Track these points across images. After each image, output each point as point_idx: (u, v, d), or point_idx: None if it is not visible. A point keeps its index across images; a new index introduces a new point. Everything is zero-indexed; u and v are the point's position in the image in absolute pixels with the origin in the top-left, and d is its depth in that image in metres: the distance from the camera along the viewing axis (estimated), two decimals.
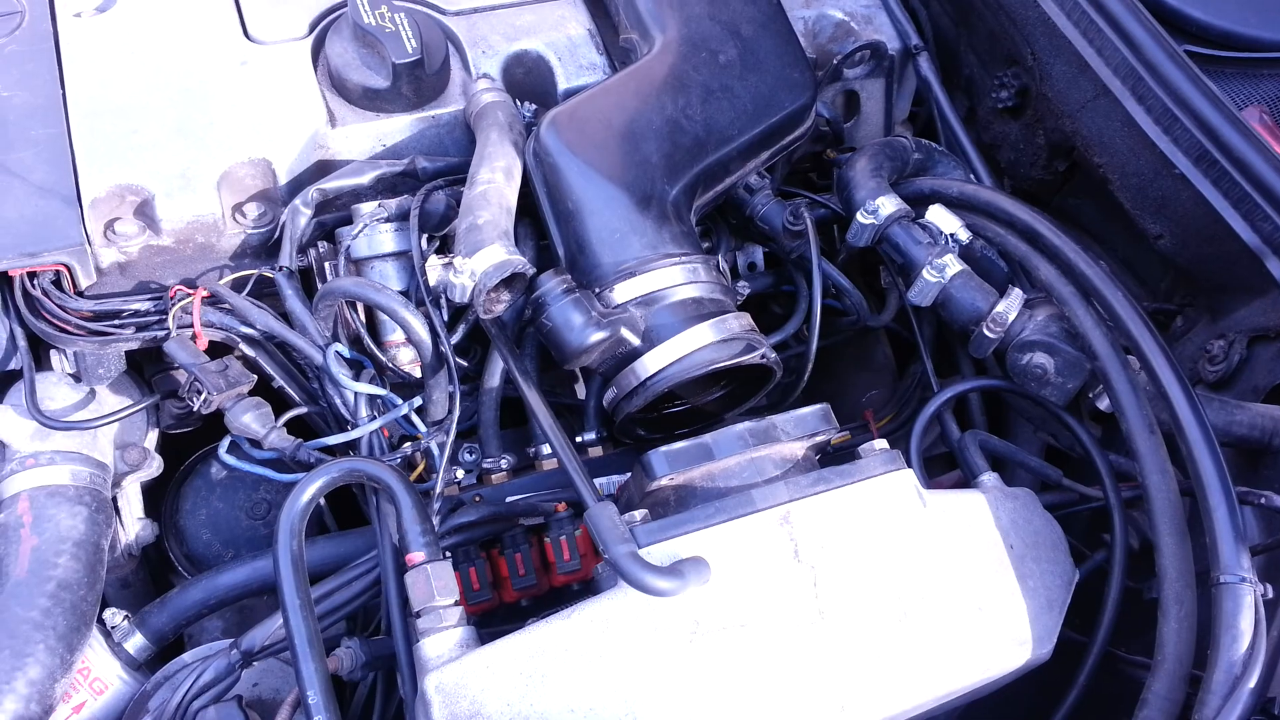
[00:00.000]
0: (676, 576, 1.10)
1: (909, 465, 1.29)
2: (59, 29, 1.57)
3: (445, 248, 1.50)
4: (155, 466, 1.58)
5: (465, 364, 1.52)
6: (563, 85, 1.66)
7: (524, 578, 1.39)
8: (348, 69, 1.56)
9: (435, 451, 1.44)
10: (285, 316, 1.46)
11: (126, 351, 1.49)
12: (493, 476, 1.48)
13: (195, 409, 1.43)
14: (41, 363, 1.49)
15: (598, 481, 1.41)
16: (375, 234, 1.49)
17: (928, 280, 1.51)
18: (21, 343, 1.41)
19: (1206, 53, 1.60)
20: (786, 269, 1.75)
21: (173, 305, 1.44)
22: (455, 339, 1.47)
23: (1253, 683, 1.11)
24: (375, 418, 1.42)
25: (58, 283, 1.42)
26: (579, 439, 1.55)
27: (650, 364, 1.37)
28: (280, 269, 1.48)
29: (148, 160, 1.47)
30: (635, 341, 1.38)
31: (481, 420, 1.52)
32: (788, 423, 1.27)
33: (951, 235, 1.56)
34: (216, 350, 1.46)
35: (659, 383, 1.37)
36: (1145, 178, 1.55)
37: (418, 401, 1.45)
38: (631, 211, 1.43)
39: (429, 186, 1.50)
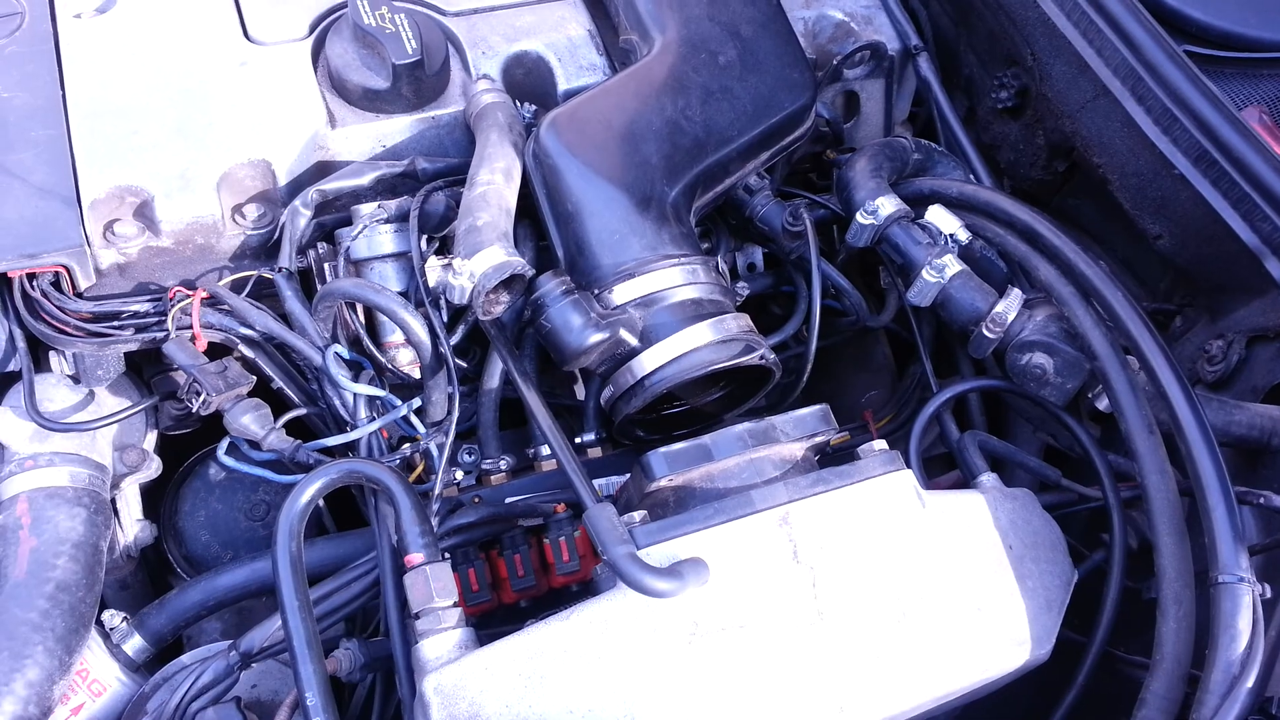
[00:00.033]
0: (675, 577, 1.11)
1: (908, 466, 1.29)
2: (59, 30, 1.57)
3: (445, 249, 1.50)
4: (154, 468, 1.58)
5: (464, 365, 1.52)
6: (563, 86, 1.66)
7: (523, 579, 1.39)
8: (348, 70, 1.56)
9: (434, 452, 1.44)
10: (284, 318, 1.46)
11: (126, 353, 1.49)
12: (492, 477, 1.48)
13: (194, 410, 1.43)
14: (40, 364, 1.49)
15: (597, 482, 1.42)
16: (375, 235, 1.49)
17: (927, 280, 1.51)
18: (20, 344, 1.42)
19: (1206, 53, 1.60)
20: (786, 270, 1.75)
21: (172, 306, 1.44)
22: (454, 340, 1.47)
23: (1251, 682, 1.11)
24: (374, 419, 1.42)
25: (57, 284, 1.42)
26: (578, 440, 1.55)
27: (649, 364, 1.37)
28: (279, 270, 1.48)
29: (147, 161, 1.47)
30: (634, 342, 1.38)
31: (481, 421, 1.52)
32: (787, 423, 1.27)
33: (951, 235, 1.56)
34: (216, 351, 1.46)
35: (658, 383, 1.37)
36: (1145, 178, 1.55)
37: (417, 403, 1.45)
38: (631, 213, 1.43)
39: (428, 188, 1.50)
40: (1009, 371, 1.51)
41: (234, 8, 1.63)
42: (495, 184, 1.42)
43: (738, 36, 1.61)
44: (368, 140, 1.57)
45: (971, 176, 1.78)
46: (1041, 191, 1.86)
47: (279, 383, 1.50)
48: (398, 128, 1.58)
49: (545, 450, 1.49)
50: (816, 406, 1.30)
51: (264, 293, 1.49)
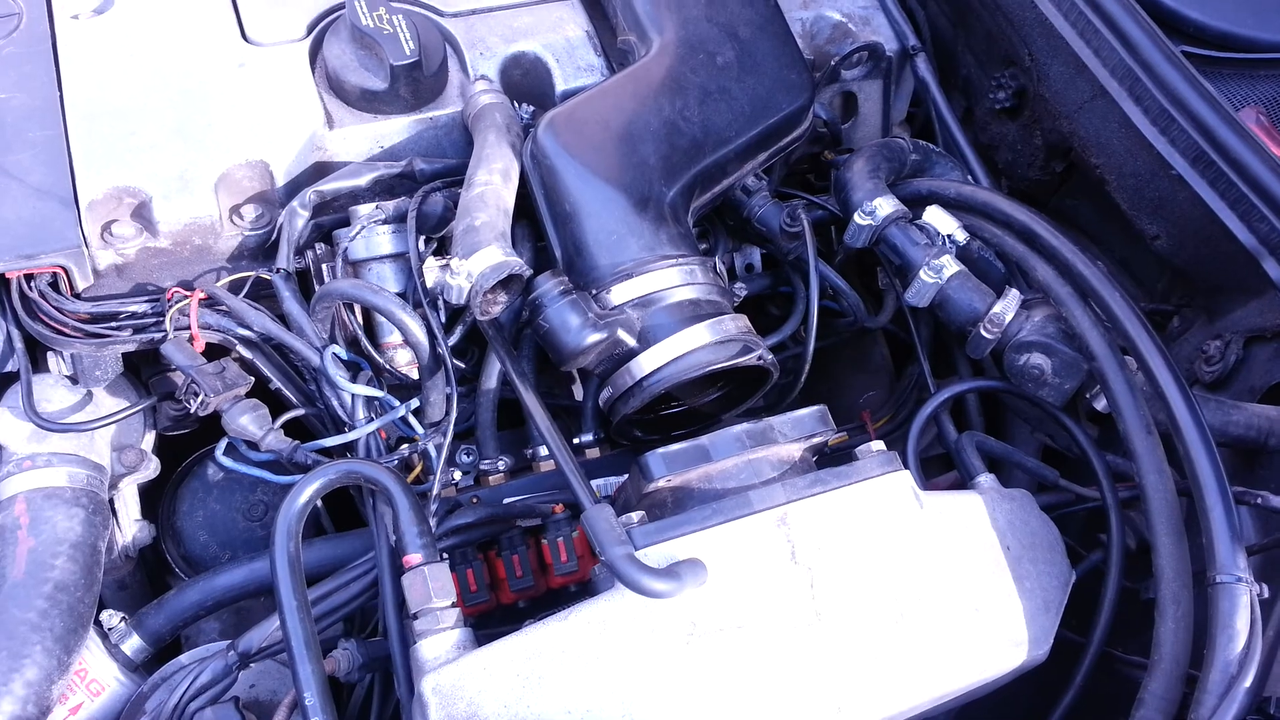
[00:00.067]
0: (673, 578, 1.11)
1: (906, 466, 1.29)
2: (56, 31, 1.57)
3: (443, 249, 1.50)
4: (152, 468, 1.58)
5: (463, 365, 1.52)
6: (560, 87, 1.66)
7: (521, 579, 1.39)
8: (345, 71, 1.56)
9: (432, 453, 1.44)
10: (282, 318, 1.46)
11: (124, 353, 1.49)
12: (490, 478, 1.49)
13: (192, 411, 1.43)
14: (38, 365, 1.49)
15: (595, 483, 1.42)
16: (373, 236, 1.49)
17: (925, 281, 1.51)
18: (18, 345, 1.42)
19: (1203, 53, 1.60)
20: (784, 270, 1.75)
21: (170, 307, 1.44)
22: (453, 341, 1.47)
23: (1249, 682, 1.11)
24: (372, 419, 1.43)
25: (55, 285, 1.42)
26: (576, 440, 1.55)
27: (647, 365, 1.37)
28: (277, 271, 1.48)
29: (145, 162, 1.47)
30: (632, 343, 1.38)
31: (479, 422, 1.52)
32: (785, 424, 1.27)
33: (949, 236, 1.56)
34: (214, 352, 1.46)
35: (656, 384, 1.37)
36: (1142, 178, 1.55)
37: (415, 403, 1.45)
38: (629, 213, 1.43)
39: (426, 188, 1.50)
40: (1007, 372, 1.51)
41: (232, 9, 1.63)
42: (493, 184, 1.42)
43: (735, 38, 1.61)
44: (365, 141, 1.57)
45: (969, 177, 1.78)
46: (1039, 192, 1.87)
47: (277, 383, 1.50)
48: (395, 128, 1.58)
49: (543, 451, 1.49)
50: (814, 407, 1.30)
51: (262, 293, 1.49)
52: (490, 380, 1.52)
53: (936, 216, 1.57)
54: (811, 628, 1.16)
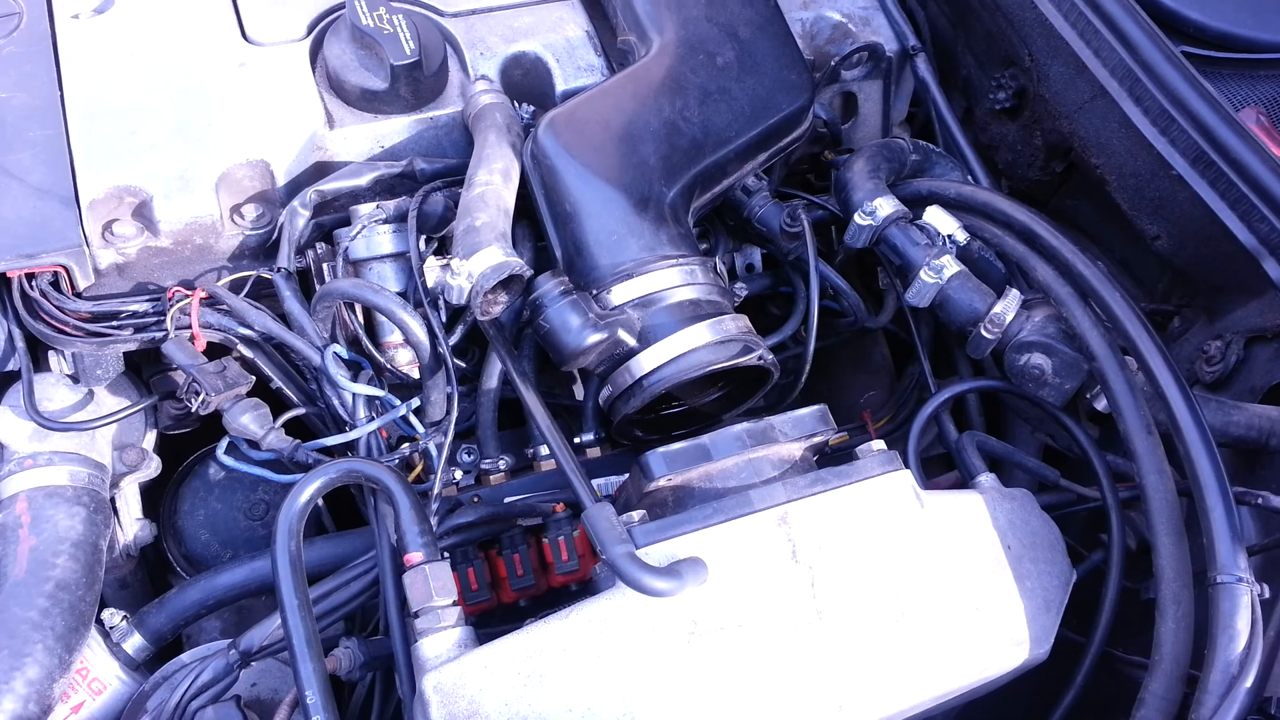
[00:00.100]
0: (674, 577, 1.11)
1: (906, 466, 1.29)
2: (57, 30, 1.57)
3: (443, 249, 1.50)
4: (153, 467, 1.59)
5: (463, 365, 1.52)
6: (561, 87, 1.66)
7: (522, 578, 1.39)
8: (346, 70, 1.56)
9: (433, 452, 1.44)
10: (283, 318, 1.46)
11: (125, 353, 1.49)
12: (491, 477, 1.49)
13: (193, 410, 1.43)
14: (40, 364, 1.49)
15: (596, 482, 1.42)
16: (373, 235, 1.49)
17: (925, 281, 1.52)
18: (20, 344, 1.42)
19: (1203, 54, 1.60)
20: (784, 270, 1.75)
21: (171, 306, 1.44)
22: (453, 340, 1.47)
23: (1249, 682, 1.11)
24: (373, 419, 1.43)
25: (56, 284, 1.42)
26: (577, 440, 1.55)
27: (647, 365, 1.37)
28: (278, 270, 1.48)
29: (146, 162, 1.47)
30: (632, 343, 1.39)
31: (479, 421, 1.52)
32: (785, 424, 1.27)
33: (949, 236, 1.56)
34: (215, 351, 1.46)
35: (656, 384, 1.37)
36: (1142, 179, 1.55)
37: (416, 402, 1.45)
38: (629, 213, 1.43)
39: (427, 188, 1.50)
40: (1007, 372, 1.51)
41: (232, 8, 1.63)
42: (493, 184, 1.42)
43: (735, 38, 1.61)
44: (366, 141, 1.57)
45: (969, 177, 1.79)
46: (1039, 192, 1.87)
47: (278, 382, 1.50)
48: (396, 128, 1.58)
49: (544, 450, 1.49)
50: (815, 407, 1.31)
51: (263, 293, 1.49)
52: (491, 380, 1.52)
53: (937, 217, 1.57)
54: (812, 626, 1.16)
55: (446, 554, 1.26)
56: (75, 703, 1.38)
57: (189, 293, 1.44)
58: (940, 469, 1.78)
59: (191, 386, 1.41)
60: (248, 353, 1.47)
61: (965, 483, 1.47)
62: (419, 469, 1.46)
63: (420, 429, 1.46)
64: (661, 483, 1.24)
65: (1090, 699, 1.39)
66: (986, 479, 1.42)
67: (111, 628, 1.43)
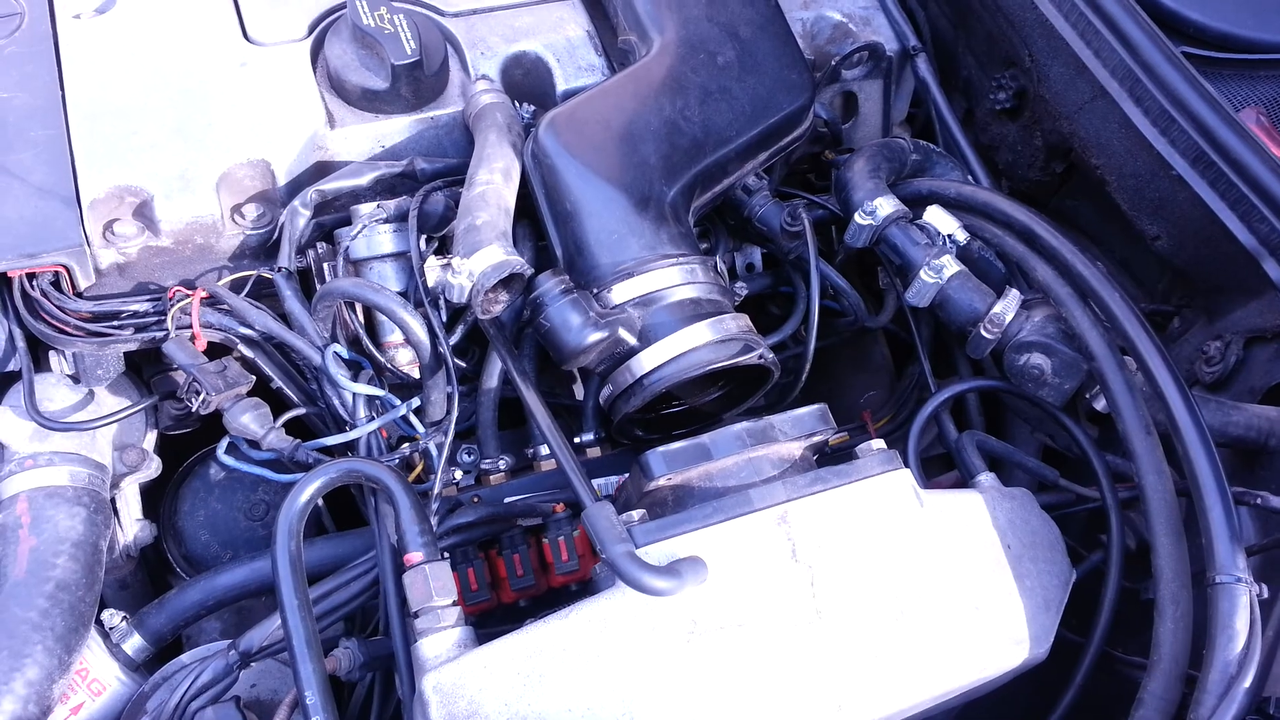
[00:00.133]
0: (674, 576, 1.11)
1: (906, 465, 1.29)
2: (58, 30, 1.57)
3: (444, 249, 1.51)
4: (154, 468, 1.59)
5: (464, 365, 1.52)
6: (561, 86, 1.66)
7: (522, 578, 1.39)
8: (347, 70, 1.56)
9: (433, 452, 1.44)
10: (284, 317, 1.46)
11: (125, 353, 1.49)
12: (491, 477, 1.49)
13: (194, 410, 1.43)
14: (40, 364, 1.49)
15: (596, 482, 1.42)
16: (374, 235, 1.50)
17: (925, 281, 1.52)
18: (20, 344, 1.42)
19: (1204, 54, 1.60)
20: (784, 270, 1.75)
21: (171, 306, 1.44)
22: (454, 340, 1.47)
23: (1248, 682, 1.11)
24: (373, 418, 1.43)
25: (57, 284, 1.43)
26: (577, 440, 1.55)
27: (647, 364, 1.38)
28: (279, 270, 1.48)
29: (147, 161, 1.47)
30: (633, 342, 1.39)
31: (480, 421, 1.52)
32: (785, 423, 1.27)
33: (949, 236, 1.56)
34: (215, 351, 1.46)
35: (656, 383, 1.37)
36: (1142, 179, 1.55)
37: (416, 402, 1.46)
38: (629, 213, 1.43)
39: (428, 188, 1.50)
40: (1007, 372, 1.51)
41: (233, 8, 1.63)
42: (494, 184, 1.42)
43: (736, 37, 1.61)
44: (367, 140, 1.57)
45: (969, 177, 1.79)
46: (1039, 192, 1.87)
47: (278, 382, 1.50)
48: (397, 128, 1.58)
49: (544, 450, 1.49)
50: (815, 406, 1.31)
51: (263, 292, 1.49)
52: (491, 379, 1.52)
53: (937, 216, 1.58)
54: (812, 626, 1.16)
55: (446, 554, 1.26)
56: (75, 703, 1.38)
57: (190, 292, 1.45)
58: (940, 469, 1.79)
59: (192, 386, 1.41)
60: (248, 352, 1.47)
61: (965, 482, 1.47)
62: (419, 469, 1.46)
63: (420, 429, 1.46)
64: (661, 482, 1.24)
65: (1089, 699, 1.39)
66: (986, 479, 1.42)
67: (111, 628, 1.43)
